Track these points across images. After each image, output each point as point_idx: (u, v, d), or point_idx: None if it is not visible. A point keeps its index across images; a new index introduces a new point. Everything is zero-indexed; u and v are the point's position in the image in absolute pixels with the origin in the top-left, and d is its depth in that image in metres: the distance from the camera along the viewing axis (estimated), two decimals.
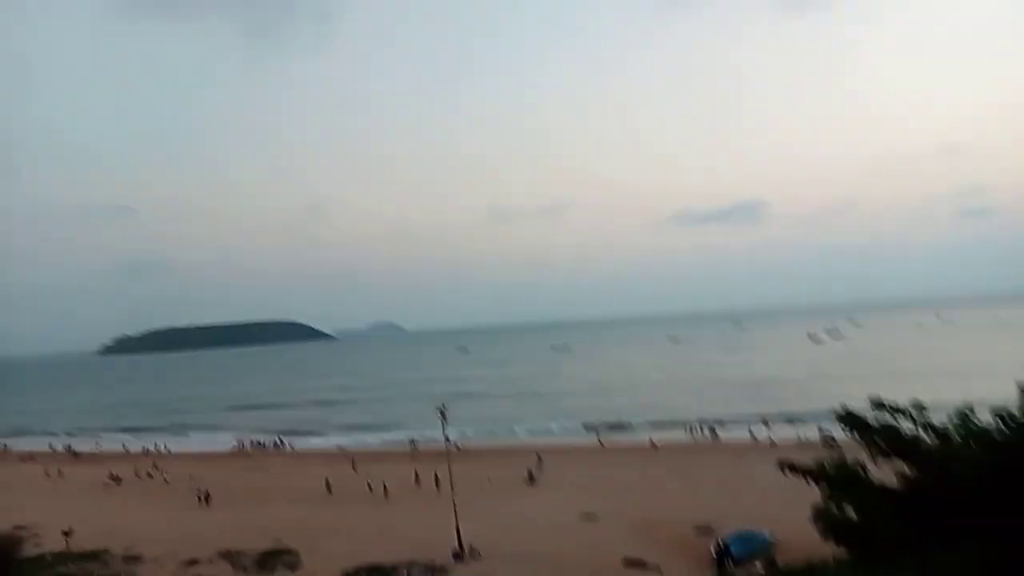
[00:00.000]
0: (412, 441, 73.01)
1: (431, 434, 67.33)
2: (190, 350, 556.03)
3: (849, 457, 15.99)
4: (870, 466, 15.88)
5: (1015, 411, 14.39)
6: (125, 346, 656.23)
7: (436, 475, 47.80)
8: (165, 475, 60.69)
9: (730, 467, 50.87)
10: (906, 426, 15.55)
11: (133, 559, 35.98)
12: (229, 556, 35.42)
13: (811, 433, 57.39)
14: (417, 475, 51.51)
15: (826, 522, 15.15)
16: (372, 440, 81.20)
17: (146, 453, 77.26)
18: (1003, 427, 14.06)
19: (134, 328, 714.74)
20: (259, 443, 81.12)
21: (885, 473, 15.90)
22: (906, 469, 15.40)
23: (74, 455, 79.62)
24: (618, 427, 78.11)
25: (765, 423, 69.53)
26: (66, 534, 37.82)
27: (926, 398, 16.33)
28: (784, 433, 63.09)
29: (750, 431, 65.77)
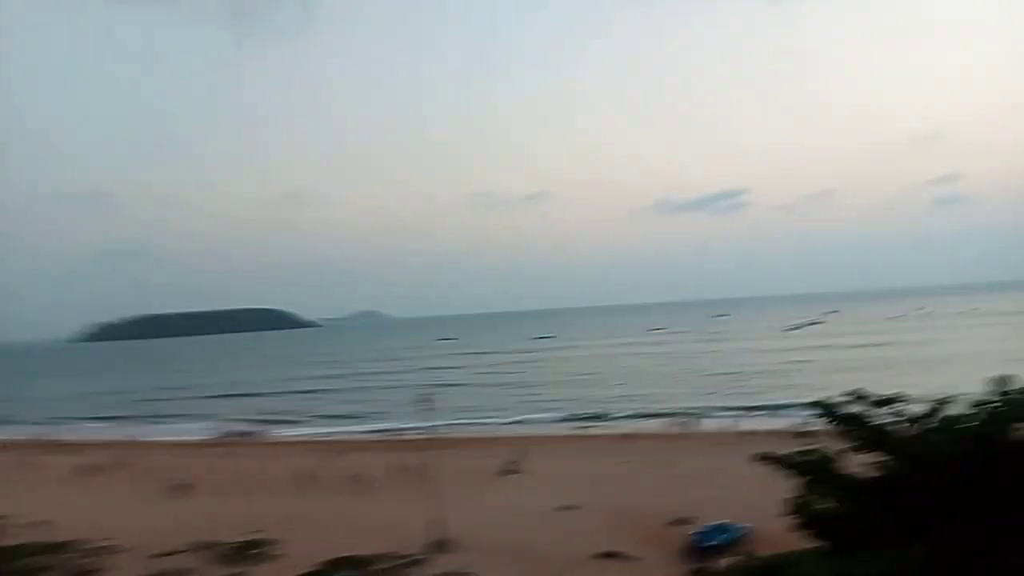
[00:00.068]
0: (392, 431, 72.83)
1: (410, 423, 67.27)
2: (170, 337, 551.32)
3: (826, 448, 15.98)
4: (847, 457, 15.89)
5: (990, 402, 14.41)
6: (103, 333, 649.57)
7: (415, 465, 47.55)
8: (141, 464, 59.90)
9: (707, 458, 51.11)
10: (883, 417, 15.56)
11: (106, 550, 35.43)
12: (204, 547, 35.01)
13: (788, 423, 57.93)
14: (396, 465, 51.22)
15: (803, 513, 15.16)
16: (352, 429, 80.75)
17: (122, 442, 76.31)
18: (979, 418, 14.09)
19: (113, 315, 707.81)
20: (238, 432, 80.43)
21: (862, 464, 15.91)
22: (882, 460, 15.41)
23: (48, 444, 78.45)
24: (597, 417, 78.36)
25: (743, 413, 70.16)
26: (38, 524, 37.19)
27: (903, 388, 16.34)
28: (762, 423, 63.57)
29: (728, 421, 66.28)
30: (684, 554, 29.99)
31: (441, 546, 32.67)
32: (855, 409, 15.68)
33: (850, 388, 16.26)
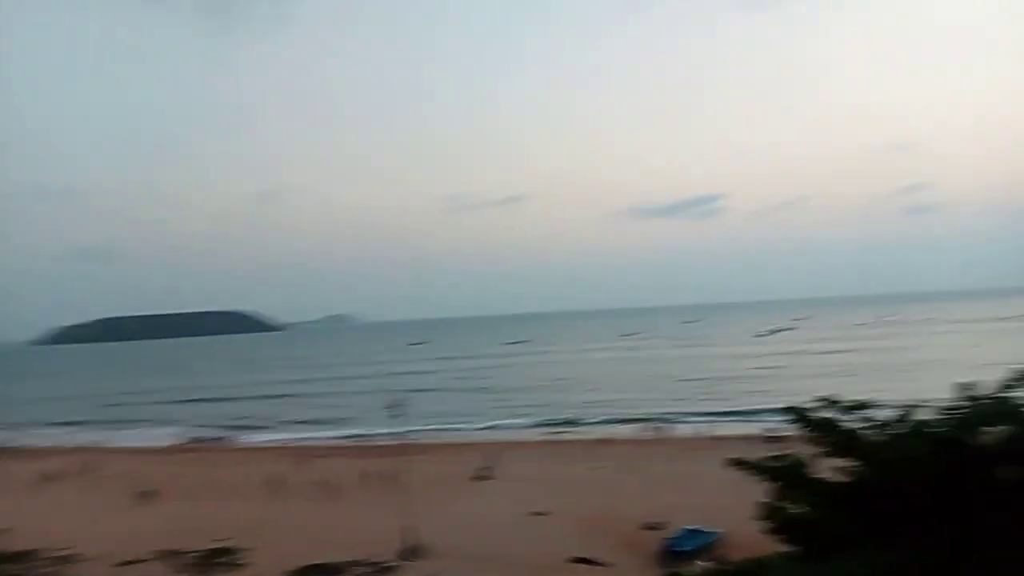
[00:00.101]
0: (362, 436, 72.18)
1: (381, 429, 66.71)
2: (135, 341, 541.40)
3: (798, 453, 16.12)
4: (818, 462, 16.04)
5: (958, 407, 14.64)
6: (67, 336, 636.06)
7: (386, 472, 47.16)
8: (106, 471, 58.60)
9: (680, 463, 51.42)
10: (853, 422, 15.74)
11: (67, 559, 34.53)
12: (168, 556, 34.27)
13: (760, 429, 58.59)
14: (366, 471, 50.76)
15: (774, 518, 15.22)
16: (321, 435, 79.88)
17: (86, 448, 74.62)
18: (947, 423, 14.29)
19: (77, 317, 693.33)
20: (203, 438, 79.13)
21: (833, 469, 16.08)
22: (853, 465, 15.58)
23: (9, 450, 76.43)
24: (570, 422, 78.46)
25: (715, 418, 70.73)
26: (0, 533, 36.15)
27: (873, 394, 16.57)
28: (734, 428, 64.17)
29: (700, 426, 66.76)
30: (657, 559, 30.07)
31: (414, 553, 32.39)
32: (826, 415, 15.83)
33: (821, 393, 16.42)
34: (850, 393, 16.81)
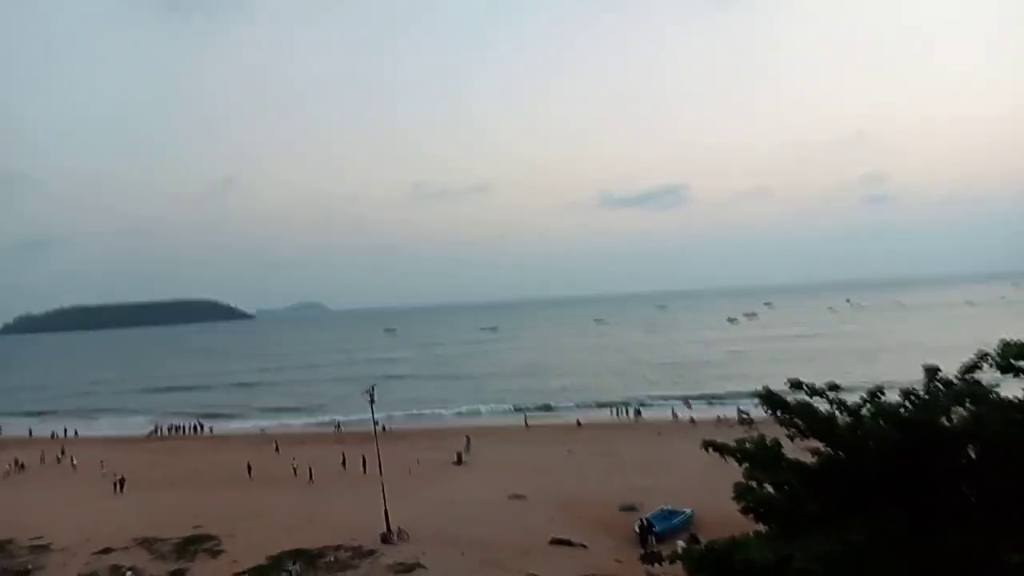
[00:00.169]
0: (337, 424, 72.10)
1: (357, 416, 66.72)
2: (100, 330, 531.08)
3: (768, 436, 16.70)
4: (788, 444, 16.65)
5: (920, 390, 15.30)
6: (26, 325, 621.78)
7: (363, 458, 47.34)
8: (74, 460, 57.93)
9: (653, 446, 52.34)
10: (821, 406, 16.35)
11: (41, 549, 34.37)
12: (146, 543, 34.29)
13: (729, 412, 59.71)
14: (343, 458, 50.92)
15: (747, 499, 15.75)
16: (296, 423, 79.62)
17: (53, 438, 73.56)
18: (910, 406, 14.93)
19: (37, 307, 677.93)
20: (176, 427, 78.39)
21: (802, 450, 16.70)
22: (821, 447, 16.19)
23: None
24: (545, 408, 79.12)
25: (686, 403, 71.84)
26: None
27: (837, 378, 17.20)
28: (704, 413, 65.29)
29: (672, 411, 67.76)
30: (633, 540, 30.76)
31: (394, 537, 32.70)
32: (794, 398, 16.42)
33: (787, 378, 17.02)
34: (819, 377, 17.46)
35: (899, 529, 12.97)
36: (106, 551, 33.33)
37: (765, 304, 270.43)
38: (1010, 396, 14.18)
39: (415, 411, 79.87)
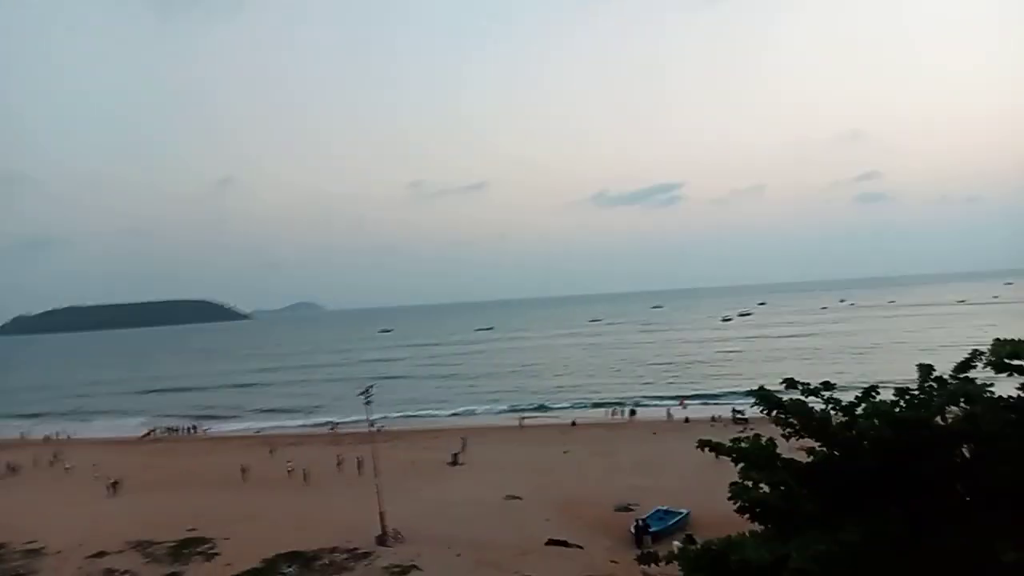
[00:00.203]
0: (332, 424, 72.00)
1: (352, 417, 66.61)
2: (94, 331, 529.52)
3: (763, 435, 16.70)
4: (782, 444, 16.66)
5: (914, 389, 15.32)
6: (22, 326, 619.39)
7: (358, 459, 47.23)
8: (68, 463, 57.70)
9: (648, 446, 52.37)
10: (816, 405, 16.36)
11: (34, 553, 34.20)
12: (140, 547, 34.15)
13: (724, 412, 59.83)
14: (339, 459, 50.82)
15: (742, 498, 15.74)
16: (291, 424, 79.53)
17: (46, 440, 73.28)
18: (904, 405, 14.95)
19: (33, 308, 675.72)
20: (171, 428, 78.19)
21: (797, 449, 16.71)
22: (816, 446, 16.20)
23: None
24: (540, 408, 79.17)
25: (681, 403, 71.92)
26: None
27: (832, 377, 17.22)
28: (698, 412, 65.37)
29: (667, 410, 67.83)
30: (629, 540, 30.73)
31: (390, 539, 32.64)
32: (789, 397, 16.43)
33: (782, 377, 17.04)
34: (812, 375, 17.50)
35: (895, 528, 12.97)
36: (100, 555, 33.18)
37: (760, 303, 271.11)
38: (1004, 395, 14.23)
39: (411, 412, 79.80)
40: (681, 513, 33.17)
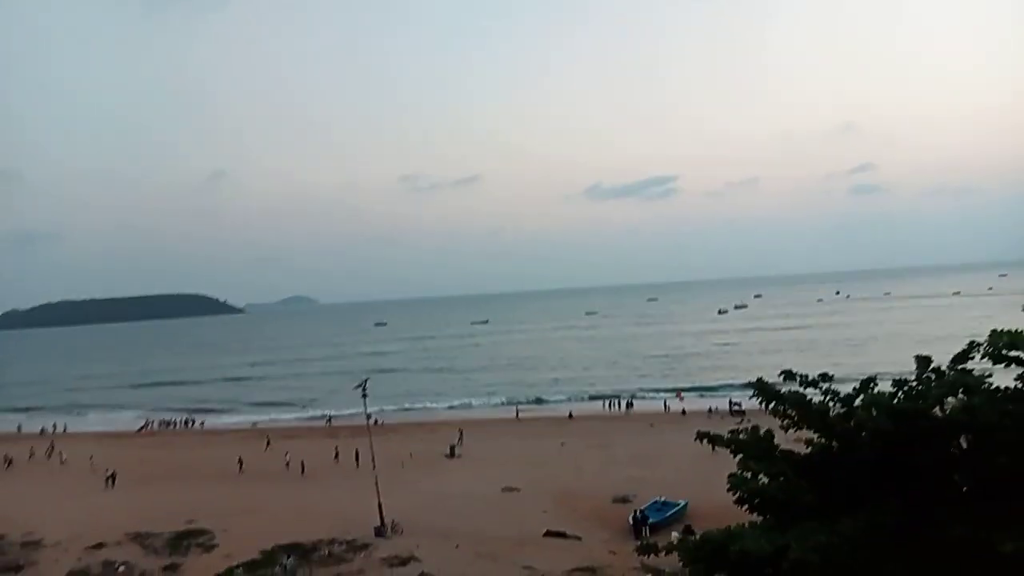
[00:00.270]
0: (329, 417, 72.03)
1: (348, 410, 66.68)
2: (87, 325, 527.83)
3: (760, 426, 16.79)
4: (780, 435, 16.74)
5: (912, 380, 15.41)
6: (14, 320, 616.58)
7: (356, 451, 47.31)
8: (63, 456, 57.60)
9: (645, 438, 52.58)
10: (814, 397, 16.44)
11: (32, 545, 34.16)
12: (138, 538, 34.14)
13: (721, 404, 60.07)
14: (336, 452, 50.89)
15: (741, 489, 15.83)
16: (287, 417, 79.50)
17: (42, 433, 73.13)
18: (902, 396, 15.04)
19: (25, 302, 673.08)
20: (167, 422, 78.15)
21: (795, 441, 16.81)
22: (815, 437, 16.28)
23: None
24: (537, 401, 79.32)
25: (678, 395, 72.16)
26: None
27: (828, 369, 17.29)
28: (695, 404, 65.61)
29: (664, 402, 68.04)
30: (627, 531, 30.87)
31: (388, 530, 32.72)
32: (787, 388, 16.51)
33: (779, 369, 17.12)
34: (809, 367, 17.56)
35: (894, 519, 13.06)
36: (98, 546, 33.15)
37: (755, 296, 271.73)
38: (1001, 386, 14.32)
39: (407, 405, 79.90)
40: (679, 504, 33.34)
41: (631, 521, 31.26)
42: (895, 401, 14.91)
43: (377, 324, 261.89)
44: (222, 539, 33.50)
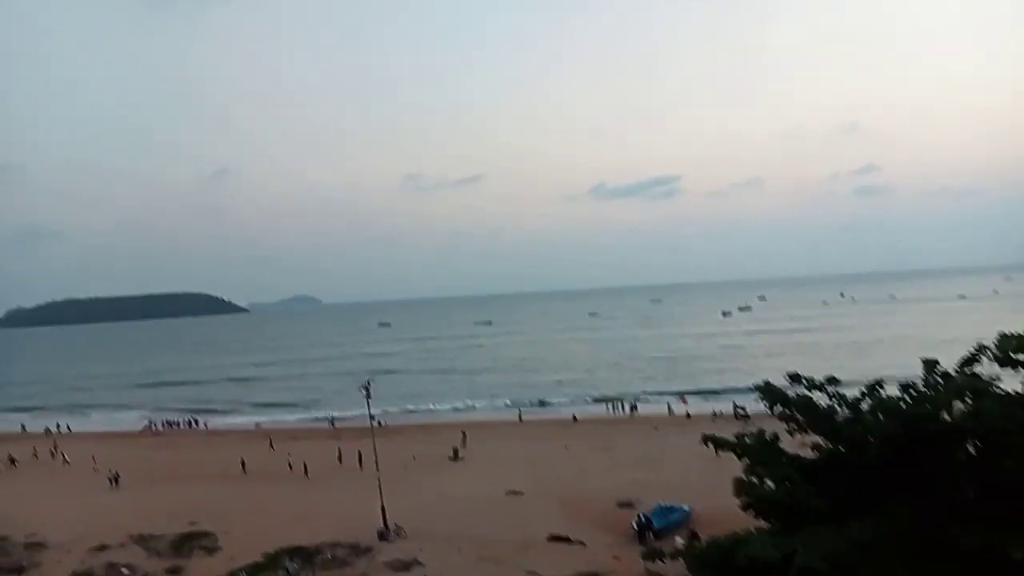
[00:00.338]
0: (332, 419, 71.95)
1: (352, 411, 66.59)
2: (91, 323, 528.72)
3: (767, 430, 16.64)
4: (787, 439, 16.59)
5: (919, 384, 15.27)
6: (17, 319, 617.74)
7: (359, 453, 47.21)
8: (67, 456, 57.62)
9: (649, 441, 52.34)
10: (820, 400, 16.31)
11: (36, 546, 34.15)
12: (141, 540, 34.09)
13: (725, 407, 59.75)
14: (339, 453, 50.81)
15: (747, 494, 15.69)
16: (290, 418, 79.44)
17: (47, 434, 73.20)
18: (909, 400, 14.90)
19: (28, 301, 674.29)
20: (170, 422, 78.15)
21: (801, 445, 16.65)
22: (822, 442, 16.15)
23: None
24: (540, 403, 79.14)
25: (682, 398, 71.87)
26: None
27: (833, 372, 17.11)
28: (700, 407, 65.35)
29: (668, 406, 67.76)
30: (631, 536, 30.64)
31: (391, 534, 32.60)
32: (793, 392, 16.37)
33: (784, 372, 16.94)
34: (814, 370, 17.40)
35: (903, 525, 12.92)
36: (101, 548, 33.13)
37: (759, 297, 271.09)
38: (1010, 389, 14.16)
39: (410, 406, 79.74)
40: (683, 509, 33.02)
41: (635, 526, 31.03)
42: (903, 405, 14.79)
43: (381, 325, 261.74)
44: (225, 541, 33.44)
